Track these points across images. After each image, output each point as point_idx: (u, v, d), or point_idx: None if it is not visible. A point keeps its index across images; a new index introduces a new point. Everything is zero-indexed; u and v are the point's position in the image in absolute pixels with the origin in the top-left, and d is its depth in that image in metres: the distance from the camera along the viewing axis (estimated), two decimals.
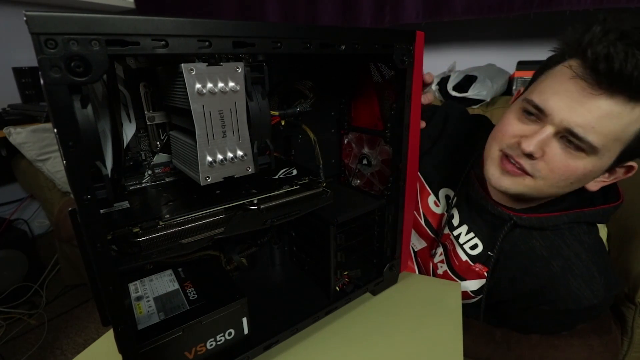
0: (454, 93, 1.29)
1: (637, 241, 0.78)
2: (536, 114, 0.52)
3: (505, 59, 1.40)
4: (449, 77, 1.34)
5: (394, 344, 0.50)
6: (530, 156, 0.52)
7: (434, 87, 1.37)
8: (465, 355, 0.48)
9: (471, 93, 1.25)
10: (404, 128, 0.50)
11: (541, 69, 0.56)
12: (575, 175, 0.51)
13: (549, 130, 0.50)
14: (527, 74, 1.27)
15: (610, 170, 0.53)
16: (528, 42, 1.44)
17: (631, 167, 0.54)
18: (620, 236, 0.84)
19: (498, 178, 0.57)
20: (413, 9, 1.33)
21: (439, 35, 1.53)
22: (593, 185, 0.55)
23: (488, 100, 1.24)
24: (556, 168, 0.51)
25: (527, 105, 0.53)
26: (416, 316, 0.55)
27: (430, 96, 0.57)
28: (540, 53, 1.39)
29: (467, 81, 1.28)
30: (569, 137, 0.49)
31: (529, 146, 0.51)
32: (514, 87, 1.30)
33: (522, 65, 1.29)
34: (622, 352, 0.74)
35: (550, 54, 0.55)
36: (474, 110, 1.27)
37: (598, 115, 0.46)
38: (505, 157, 0.56)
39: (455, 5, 1.27)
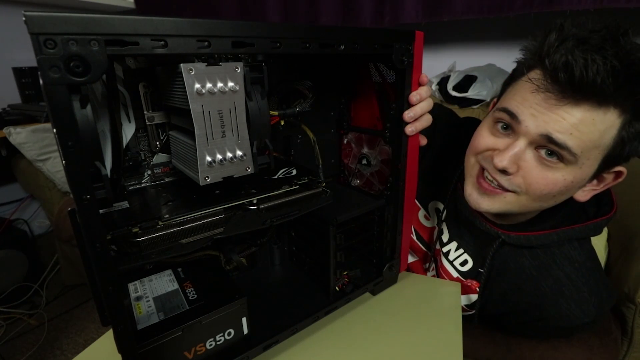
0: (454, 93, 1.29)
1: (637, 241, 0.78)
2: (510, 123, 0.49)
3: (505, 59, 1.40)
4: (449, 77, 1.34)
5: (394, 343, 0.50)
6: (504, 172, 0.49)
7: (434, 87, 1.37)
8: (465, 355, 0.48)
9: (471, 93, 1.25)
10: (403, 128, 0.50)
11: (506, 83, 0.54)
12: (557, 188, 0.48)
13: (521, 143, 0.48)
14: None
15: (598, 177, 0.50)
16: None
17: (620, 173, 0.50)
18: (620, 236, 0.84)
19: (476, 198, 0.54)
20: (413, 9, 1.33)
21: (439, 35, 1.53)
22: (582, 195, 0.52)
23: (488, 100, 1.24)
24: (534, 182, 0.48)
25: (500, 113, 0.50)
26: (416, 316, 0.55)
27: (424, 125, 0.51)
28: None
29: (467, 81, 1.28)
30: (546, 146, 0.46)
31: (502, 162, 0.48)
32: None
33: None
34: (622, 353, 0.74)
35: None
36: (474, 110, 1.27)
37: (572, 122, 0.44)
38: (482, 172, 0.53)
39: (455, 5, 1.27)
